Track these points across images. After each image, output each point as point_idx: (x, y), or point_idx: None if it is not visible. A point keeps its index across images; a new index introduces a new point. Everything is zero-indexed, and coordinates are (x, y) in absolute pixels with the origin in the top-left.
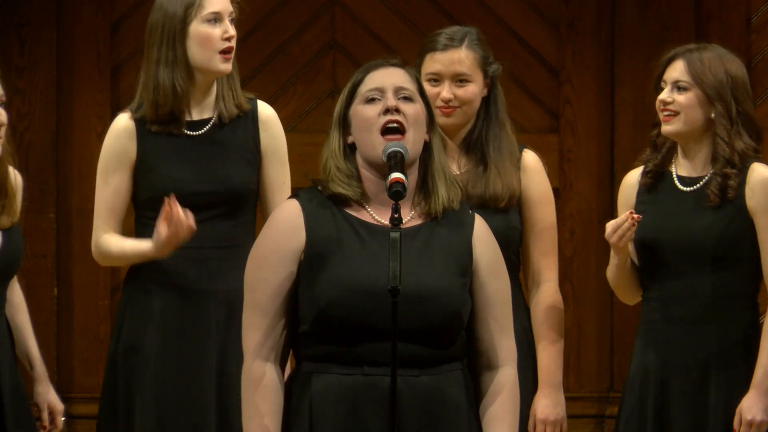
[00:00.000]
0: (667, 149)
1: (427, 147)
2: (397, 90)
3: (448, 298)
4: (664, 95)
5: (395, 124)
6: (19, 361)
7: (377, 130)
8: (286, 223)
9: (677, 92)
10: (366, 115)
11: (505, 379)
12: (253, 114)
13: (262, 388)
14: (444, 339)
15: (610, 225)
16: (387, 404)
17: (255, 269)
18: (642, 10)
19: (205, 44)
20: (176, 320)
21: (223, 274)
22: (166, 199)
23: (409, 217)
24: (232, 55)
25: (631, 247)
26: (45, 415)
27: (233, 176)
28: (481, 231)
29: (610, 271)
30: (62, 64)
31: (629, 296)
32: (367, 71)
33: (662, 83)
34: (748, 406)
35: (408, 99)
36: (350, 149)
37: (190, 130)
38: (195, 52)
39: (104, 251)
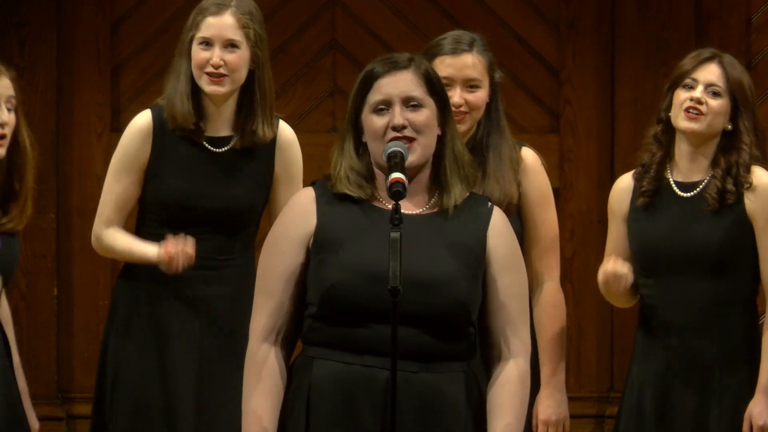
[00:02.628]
0: (660, 160)
1: (440, 140)
2: (405, 100)
3: (454, 286)
4: (697, 93)
5: (403, 140)
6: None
7: (385, 141)
8: (298, 209)
9: (710, 96)
10: (375, 125)
11: (513, 370)
12: (273, 138)
13: (262, 369)
14: (448, 329)
15: (602, 279)
16: (383, 399)
17: (266, 254)
18: (642, 10)
19: (196, 65)
20: (162, 322)
21: (218, 281)
22: (167, 237)
23: (425, 208)
24: (226, 79)
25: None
26: None
27: (239, 198)
28: (498, 224)
29: (605, 292)
30: (62, 64)
31: (624, 305)
32: (376, 77)
33: (690, 81)
34: (759, 412)
35: (416, 106)
36: (364, 148)
37: (210, 146)
38: (194, 71)
39: (107, 245)
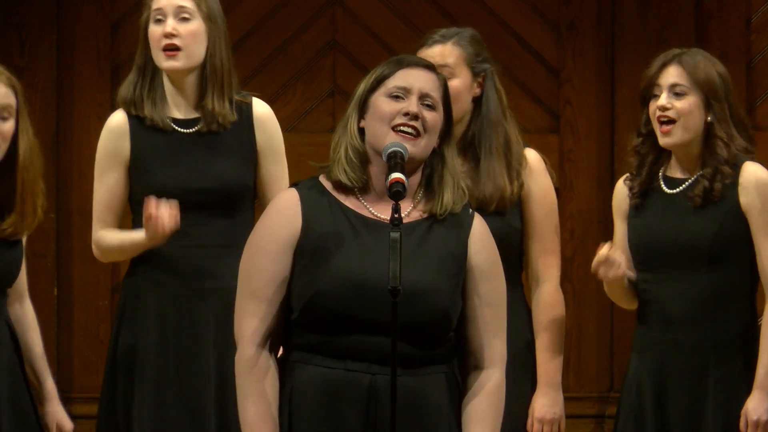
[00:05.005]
0: (653, 161)
1: (435, 152)
2: (423, 96)
3: (437, 297)
4: (662, 101)
5: (410, 129)
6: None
7: (391, 125)
8: (283, 212)
9: (675, 98)
10: (385, 109)
11: (490, 380)
12: (248, 112)
13: (258, 372)
14: (430, 338)
15: (595, 263)
16: (366, 403)
17: (252, 256)
18: (642, 10)
19: (151, 44)
20: (173, 319)
21: (221, 272)
22: (146, 200)
23: (407, 213)
24: (181, 52)
25: (626, 263)
26: None
27: (227, 174)
28: (479, 231)
29: (607, 288)
30: (62, 64)
31: (628, 306)
32: (400, 66)
33: (655, 89)
34: (754, 407)
35: (430, 106)
36: (361, 133)
37: (181, 128)
38: (152, 52)
39: (102, 245)
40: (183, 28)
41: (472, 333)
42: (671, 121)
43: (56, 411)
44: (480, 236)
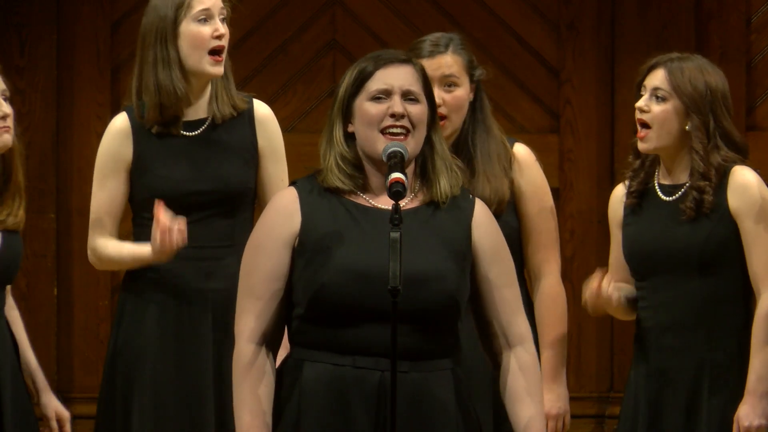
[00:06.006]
0: (650, 162)
1: (426, 140)
2: (405, 93)
3: (443, 281)
4: (641, 102)
5: (399, 129)
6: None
7: (380, 129)
8: (282, 209)
9: (655, 101)
10: (371, 112)
11: (525, 356)
12: (250, 113)
13: (254, 372)
14: (439, 325)
15: (588, 292)
16: (375, 400)
17: (251, 255)
18: (642, 10)
19: (195, 43)
20: (173, 320)
21: (221, 273)
22: (156, 205)
23: (407, 201)
24: (224, 56)
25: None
26: (54, 424)
27: (230, 175)
28: (482, 216)
29: (592, 310)
30: (62, 64)
31: (623, 317)
32: (377, 66)
33: (642, 89)
34: (745, 413)
35: (414, 100)
36: (350, 137)
37: (186, 131)
38: (186, 53)
39: (101, 255)
40: (225, 30)
41: (493, 316)
42: (647, 126)
43: (51, 401)
44: (483, 221)
